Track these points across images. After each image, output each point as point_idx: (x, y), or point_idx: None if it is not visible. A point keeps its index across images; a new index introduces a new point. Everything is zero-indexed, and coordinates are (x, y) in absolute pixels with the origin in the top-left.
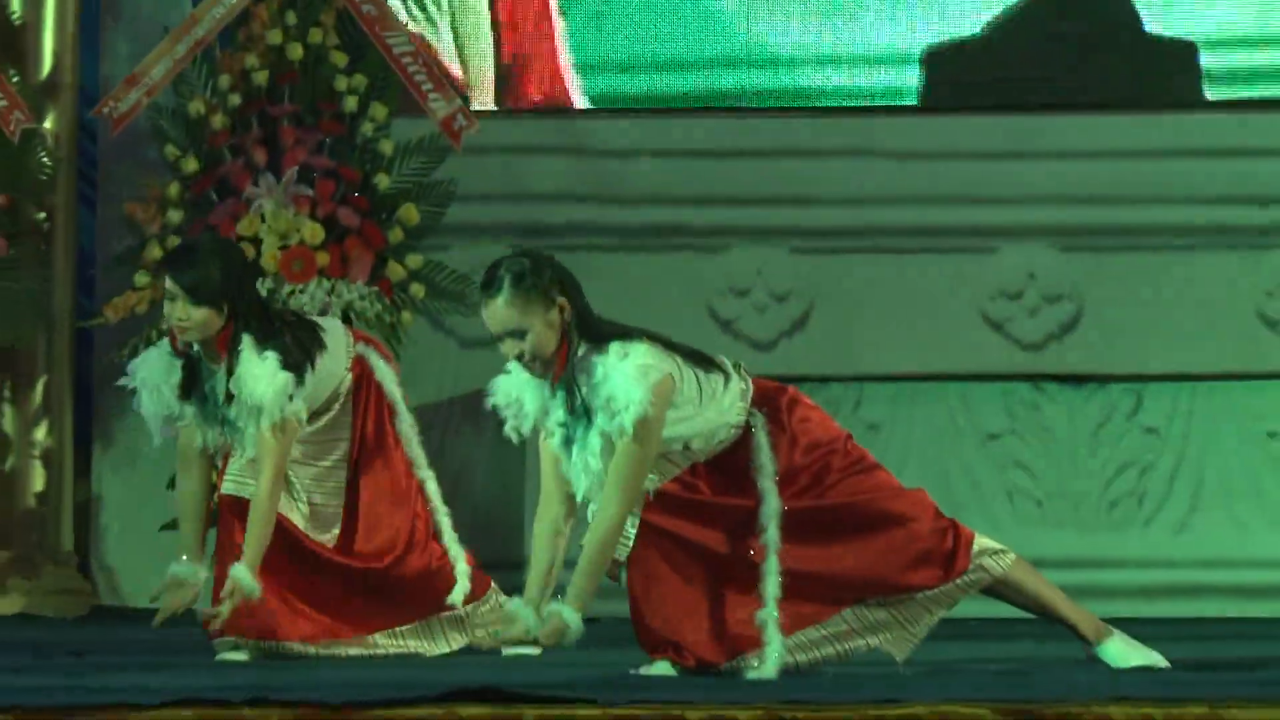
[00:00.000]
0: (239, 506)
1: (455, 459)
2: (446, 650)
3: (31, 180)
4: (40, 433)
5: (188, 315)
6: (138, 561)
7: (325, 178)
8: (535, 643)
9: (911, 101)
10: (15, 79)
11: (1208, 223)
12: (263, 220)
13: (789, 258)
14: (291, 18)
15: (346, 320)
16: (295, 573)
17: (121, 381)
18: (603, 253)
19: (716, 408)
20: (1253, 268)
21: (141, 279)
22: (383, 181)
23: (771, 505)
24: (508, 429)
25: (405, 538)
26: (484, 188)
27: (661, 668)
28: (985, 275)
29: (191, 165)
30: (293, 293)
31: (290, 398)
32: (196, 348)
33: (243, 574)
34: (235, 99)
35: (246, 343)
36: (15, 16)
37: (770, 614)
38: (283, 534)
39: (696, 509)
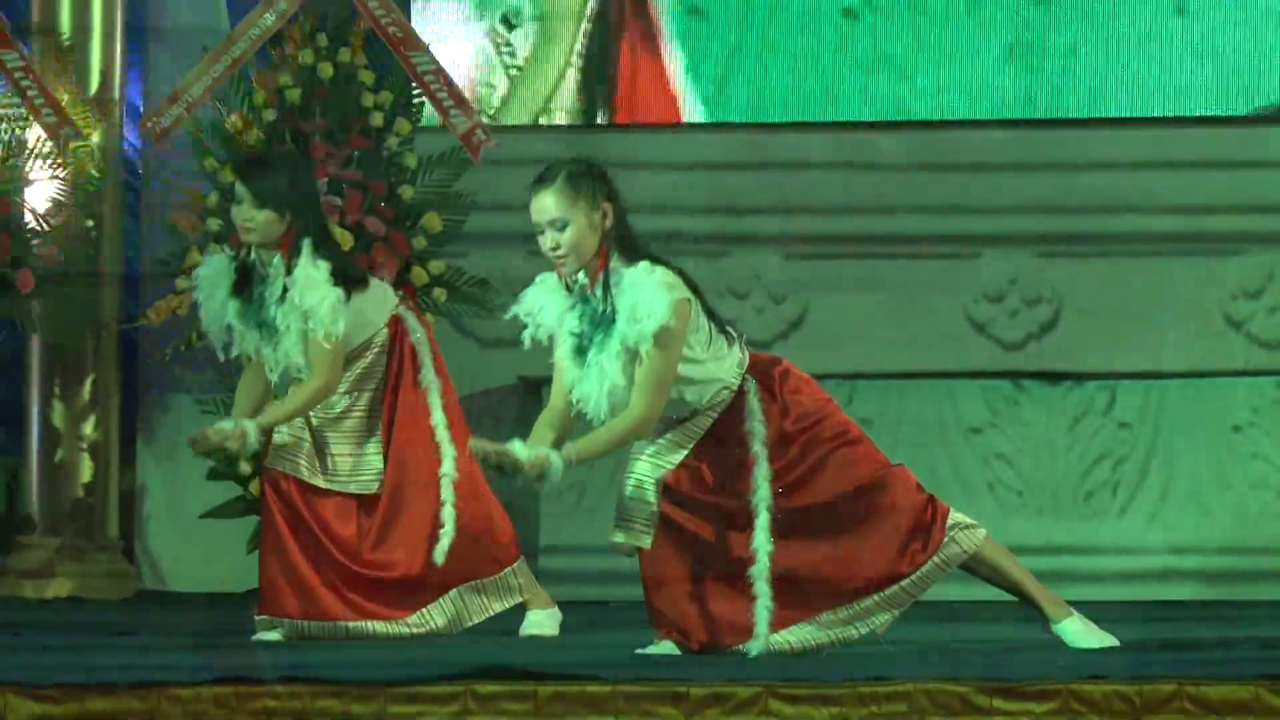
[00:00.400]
0: (280, 487)
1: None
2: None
3: (80, 190)
4: (88, 427)
5: (251, 217)
6: (179, 547)
7: (354, 189)
8: (516, 469)
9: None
10: (66, 97)
11: (1177, 230)
12: None
13: (784, 263)
14: (322, 39)
15: None
16: (330, 556)
17: (184, 285)
18: None
19: (717, 364)
20: (1219, 272)
21: (182, 283)
22: (407, 192)
23: (762, 469)
24: (525, 334)
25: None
26: (504, 198)
27: (666, 648)
28: (969, 279)
29: (229, 176)
30: None
31: (337, 313)
32: (254, 253)
33: (251, 427)
34: (270, 115)
35: (306, 246)
36: (65, 38)
37: (761, 590)
38: (316, 518)
39: (704, 507)
